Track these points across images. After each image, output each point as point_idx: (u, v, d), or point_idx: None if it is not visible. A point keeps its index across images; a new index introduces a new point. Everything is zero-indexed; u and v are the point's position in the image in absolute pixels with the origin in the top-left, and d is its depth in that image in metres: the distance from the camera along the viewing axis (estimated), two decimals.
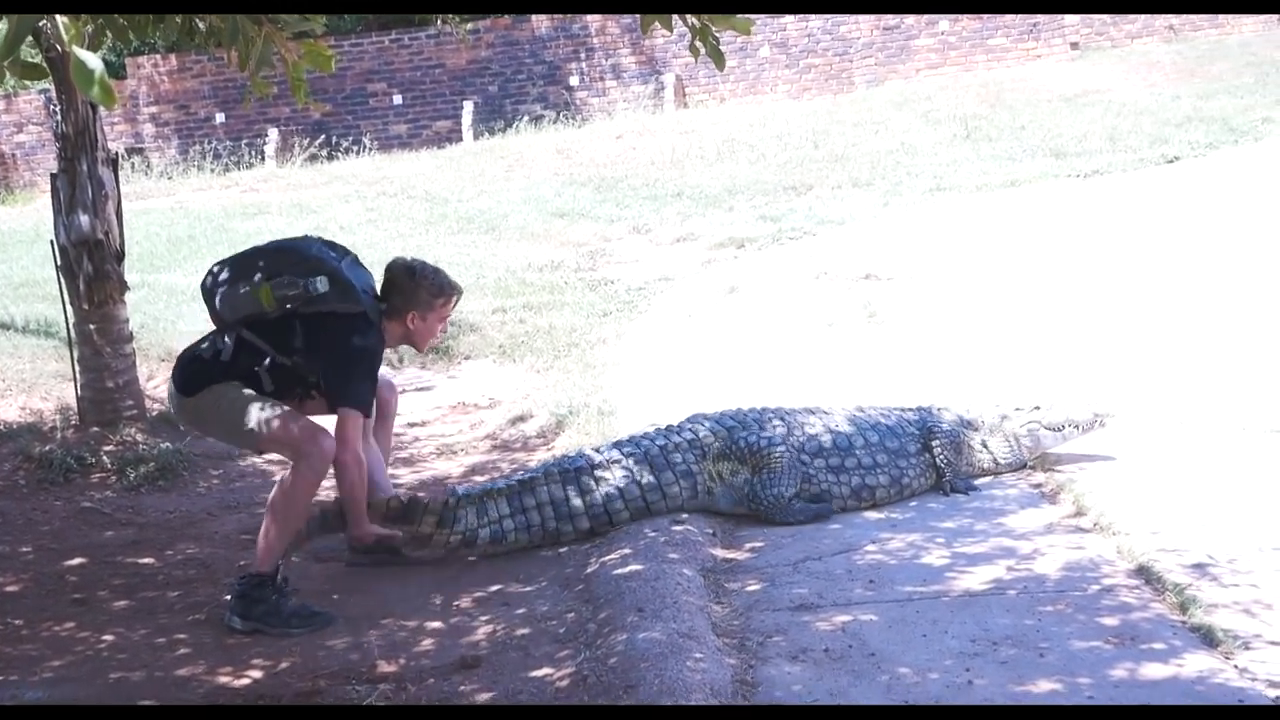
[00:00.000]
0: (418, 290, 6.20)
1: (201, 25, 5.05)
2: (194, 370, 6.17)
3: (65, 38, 2.46)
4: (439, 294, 6.25)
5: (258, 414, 6.02)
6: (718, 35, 4.20)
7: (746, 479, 6.64)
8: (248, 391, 6.07)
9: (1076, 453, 7.08)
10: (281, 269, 6.04)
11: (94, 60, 2.43)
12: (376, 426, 6.54)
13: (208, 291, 6.23)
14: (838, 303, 11.14)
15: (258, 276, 6.04)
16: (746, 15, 4.12)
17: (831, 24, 27.15)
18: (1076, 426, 7.02)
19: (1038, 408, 7.07)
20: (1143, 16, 26.35)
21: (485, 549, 6.55)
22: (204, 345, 6.24)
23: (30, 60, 2.76)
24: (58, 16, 2.49)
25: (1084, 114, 20.13)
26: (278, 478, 6.46)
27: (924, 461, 6.84)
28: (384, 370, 6.59)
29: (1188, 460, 6.91)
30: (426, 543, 6.49)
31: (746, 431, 6.69)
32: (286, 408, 6.08)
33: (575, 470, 6.67)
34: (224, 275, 6.17)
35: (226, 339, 6.14)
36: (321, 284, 6.01)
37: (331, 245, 6.33)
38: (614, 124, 24.21)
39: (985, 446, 7.04)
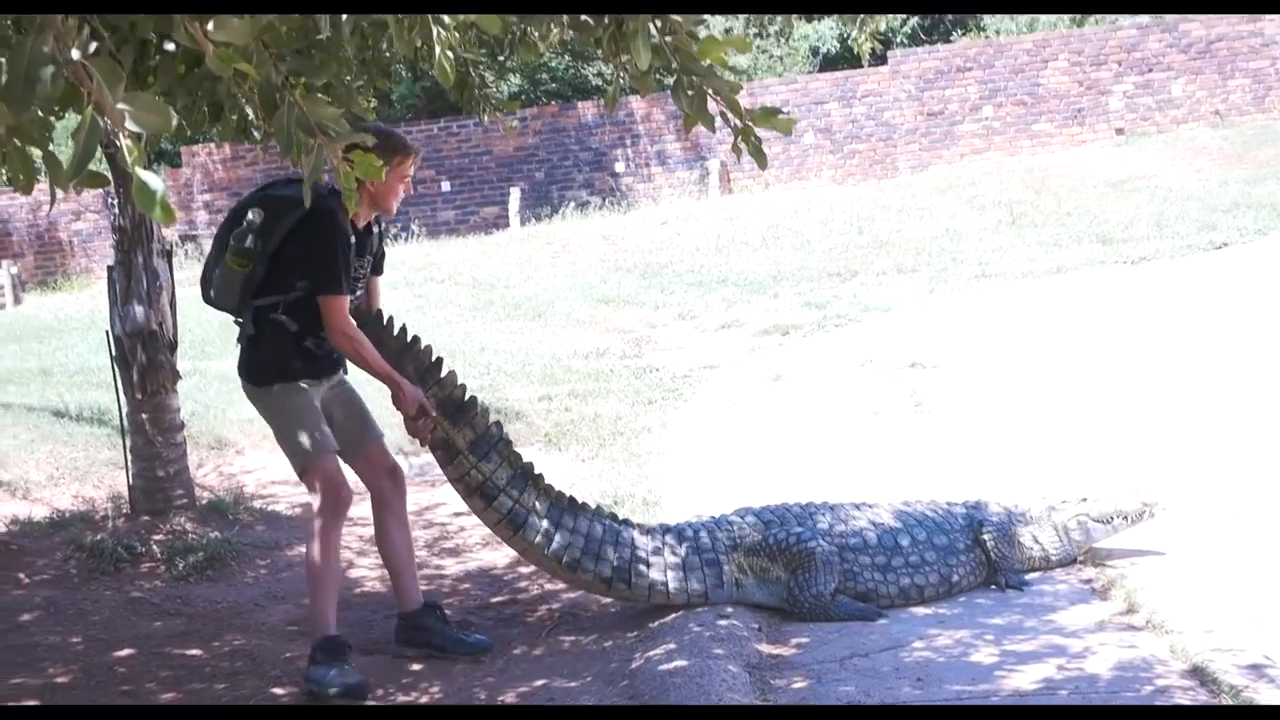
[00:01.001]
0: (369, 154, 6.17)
1: (257, 134, 5.14)
2: (245, 359, 6.50)
3: (129, 159, 2.49)
4: (392, 154, 6.19)
5: (297, 441, 6.37)
6: (759, 137, 4.22)
7: (780, 577, 6.59)
8: (308, 408, 6.37)
9: (1127, 547, 7.01)
10: (228, 233, 6.31)
11: (156, 181, 2.47)
12: (387, 520, 6.67)
13: (210, 300, 6.54)
14: (883, 391, 11.11)
15: (222, 253, 6.32)
16: (788, 116, 4.14)
17: (875, 110, 27.30)
18: (1125, 518, 6.93)
19: (1085, 499, 7.00)
20: (1188, 102, 26.42)
21: (498, 523, 6.58)
22: (242, 331, 6.48)
23: (94, 170, 2.82)
24: (121, 137, 2.53)
25: (1130, 200, 20.10)
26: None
27: (973, 559, 6.76)
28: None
29: (1241, 555, 6.81)
30: (450, 460, 6.53)
31: (782, 528, 6.64)
32: (330, 444, 6.39)
33: (621, 522, 6.72)
34: (208, 276, 6.48)
35: (248, 318, 6.41)
36: (254, 214, 6.24)
37: (263, 186, 6.60)
38: (659, 210, 24.32)
39: (1036, 540, 6.95)
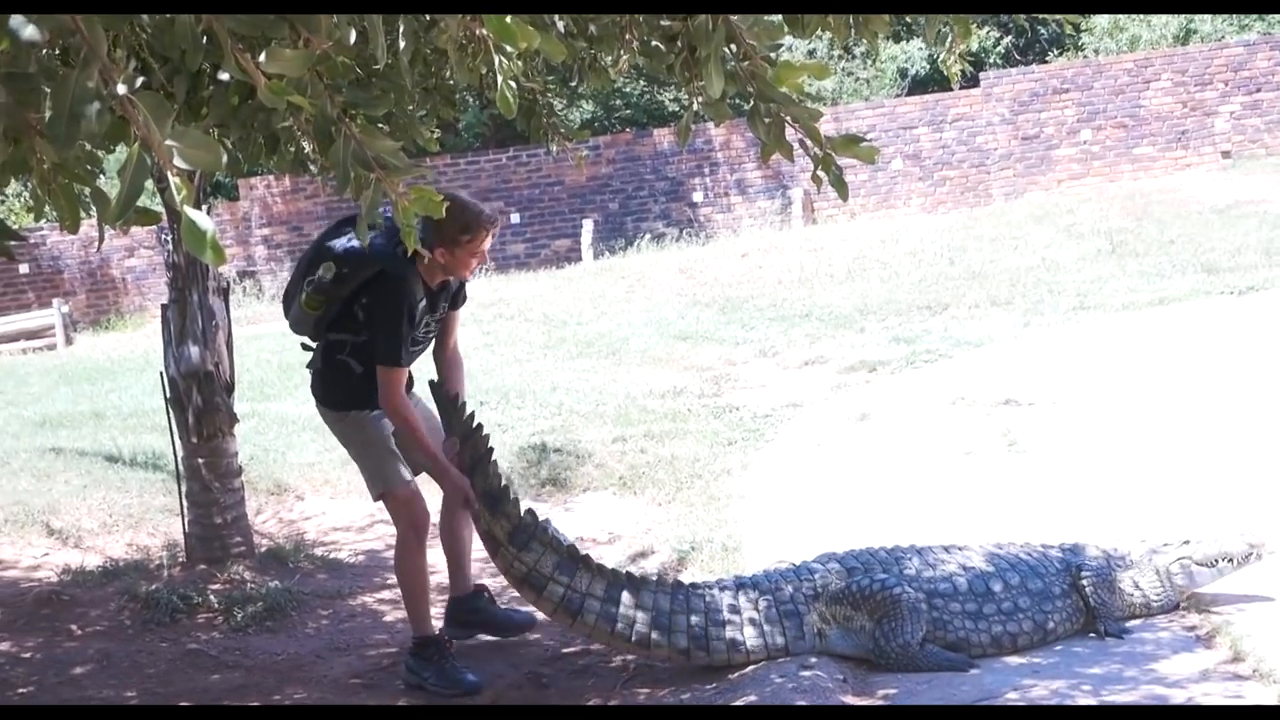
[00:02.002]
0: (442, 229, 6.40)
1: (314, 168, 5.22)
2: (316, 385, 7.10)
3: (178, 197, 2.55)
4: (465, 231, 6.54)
5: (374, 470, 6.98)
6: (840, 166, 4.25)
7: (865, 626, 6.55)
8: (382, 436, 6.92)
9: (1233, 592, 6.92)
10: (308, 275, 6.81)
11: (206, 221, 2.52)
12: (452, 515, 7.23)
13: (291, 327, 7.18)
14: (975, 430, 11.04)
15: (300, 291, 6.85)
16: (870, 144, 4.16)
17: (967, 134, 27.23)
18: (1230, 560, 6.82)
19: (1187, 542, 6.91)
20: None
21: (554, 611, 6.71)
22: (314, 359, 7.10)
23: (145, 207, 2.90)
24: (170, 175, 2.58)
25: (1238, 226, 19.90)
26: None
27: (1070, 605, 6.70)
28: None
29: None
30: (495, 552, 6.75)
31: (866, 575, 6.60)
32: (403, 471, 6.90)
33: (690, 586, 6.71)
34: (288, 304, 7.06)
35: (319, 350, 7.01)
36: (326, 271, 6.69)
37: (348, 220, 6.92)
38: (739, 241, 24.33)
39: (1136, 585, 6.87)
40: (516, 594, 7.12)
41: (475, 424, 6.83)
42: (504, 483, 6.80)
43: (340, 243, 6.78)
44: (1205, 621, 6.69)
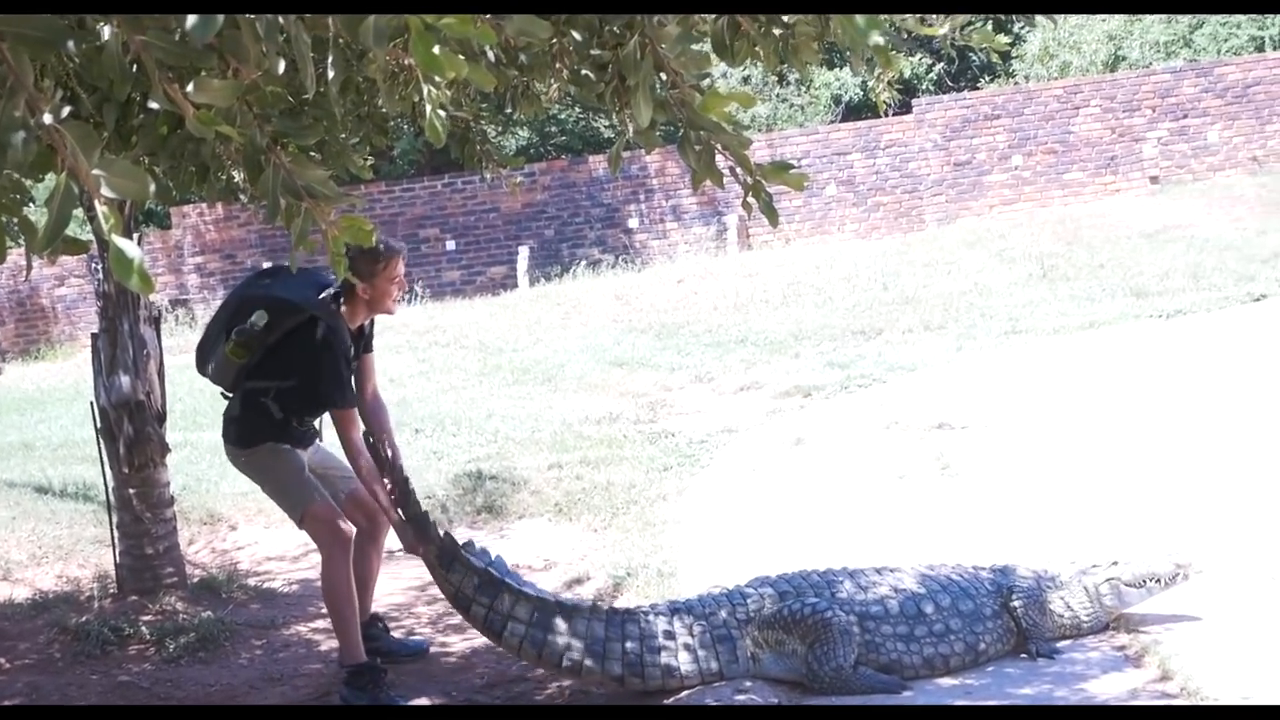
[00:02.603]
0: (356, 265, 6.69)
1: (244, 197, 5.22)
2: (229, 427, 7.31)
3: (105, 227, 2.55)
4: (375, 261, 6.91)
5: (296, 493, 7.12)
6: (770, 192, 4.28)
7: (797, 650, 6.57)
8: (295, 464, 7.15)
9: (1161, 613, 7.00)
10: (232, 324, 7.03)
11: (133, 249, 2.52)
12: (365, 546, 7.42)
13: (206, 375, 7.39)
14: (909, 454, 11.12)
15: (222, 340, 7.04)
16: (800, 171, 4.19)
17: (900, 160, 27.37)
18: (1158, 581, 6.89)
19: (1116, 563, 6.98)
20: (1225, 148, 26.45)
21: (483, 631, 6.82)
22: (230, 407, 7.28)
23: (73, 236, 2.90)
24: (98, 204, 2.59)
25: (1165, 251, 20.14)
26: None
27: (1001, 626, 6.75)
28: None
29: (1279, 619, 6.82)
30: (432, 573, 6.92)
31: (797, 599, 6.62)
32: (320, 490, 7.12)
33: (623, 614, 6.71)
34: (205, 354, 7.25)
35: (237, 398, 7.19)
36: (259, 318, 6.95)
37: (266, 272, 7.46)
38: (675, 267, 24.38)
39: (1067, 606, 6.94)
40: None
41: (392, 457, 7.04)
42: (423, 516, 6.93)
43: (269, 288, 7.07)
44: (1134, 641, 6.76)
